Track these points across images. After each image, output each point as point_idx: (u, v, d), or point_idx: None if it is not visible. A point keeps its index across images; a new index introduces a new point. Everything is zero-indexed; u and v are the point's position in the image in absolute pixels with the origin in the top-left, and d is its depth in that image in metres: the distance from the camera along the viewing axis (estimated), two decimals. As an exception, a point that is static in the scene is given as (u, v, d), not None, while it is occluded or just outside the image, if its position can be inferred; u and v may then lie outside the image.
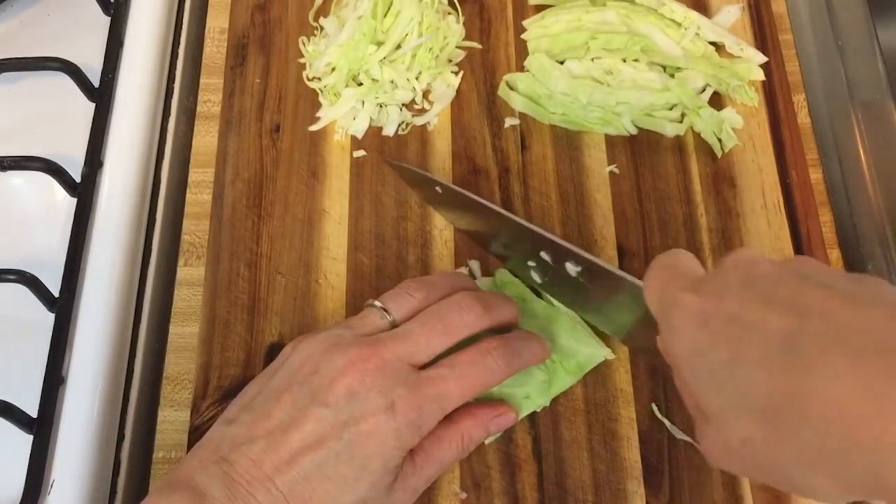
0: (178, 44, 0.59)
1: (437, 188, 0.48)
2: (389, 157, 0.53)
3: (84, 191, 0.50)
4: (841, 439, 0.25)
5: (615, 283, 0.41)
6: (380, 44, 0.54)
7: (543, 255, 0.44)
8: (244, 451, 0.36)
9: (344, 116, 0.54)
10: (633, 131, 0.53)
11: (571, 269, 0.43)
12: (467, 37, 0.57)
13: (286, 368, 0.39)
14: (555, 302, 0.47)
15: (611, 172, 0.52)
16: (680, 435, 0.45)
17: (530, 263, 0.46)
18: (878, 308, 0.26)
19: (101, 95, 0.53)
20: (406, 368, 0.38)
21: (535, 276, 0.47)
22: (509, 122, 0.54)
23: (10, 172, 0.50)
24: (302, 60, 0.57)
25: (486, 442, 0.45)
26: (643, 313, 0.39)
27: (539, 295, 0.48)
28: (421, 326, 0.39)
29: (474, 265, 0.50)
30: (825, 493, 0.27)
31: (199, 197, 0.53)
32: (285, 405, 0.37)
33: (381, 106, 0.55)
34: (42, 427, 0.44)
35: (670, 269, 0.35)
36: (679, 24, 0.55)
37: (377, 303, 0.41)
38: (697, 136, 0.54)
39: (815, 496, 0.28)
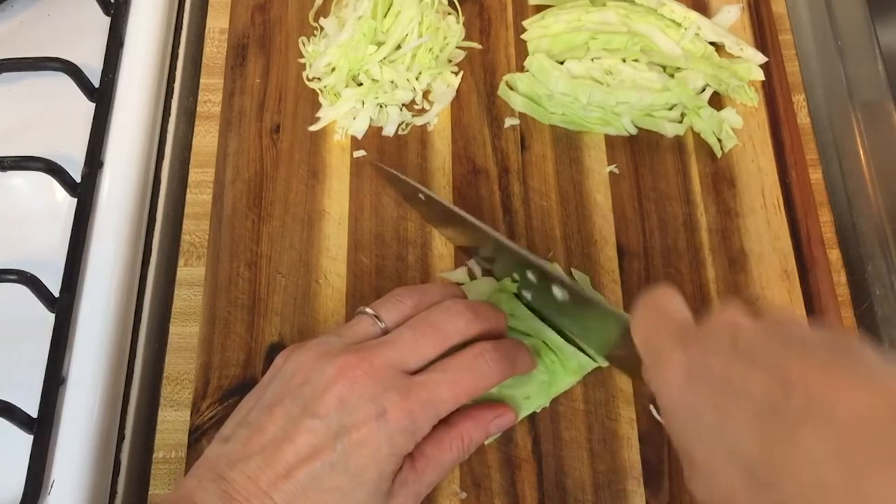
0: (178, 44, 0.59)
1: (420, 195, 0.48)
2: (373, 159, 0.53)
3: (84, 191, 0.50)
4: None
5: (600, 312, 0.42)
6: (380, 44, 0.54)
7: (529, 274, 0.44)
8: (241, 469, 0.36)
9: (344, 116, 0.54)
10: (633, 131, 0.53)
11: (557, 293, 0.43)
12: (467, 37, 0.57)
13: (278, 380, 0.39)
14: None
15: (611, 172, 0.53)
16: (680, 435, 0.45)
17: (515, 277, 0.46)
18: (857, 379, 0.27)
19: (101, 95, 0.53)
20: (396, 374, 0.38)
21: (527, 295, 0.47)
22: (509, 122, 0.54)
23: (10, 172, 0.50)
24: (302, 60, 0.57)
25: (486, 442, 0.45)
26: (627, 341, 0.39)
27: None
28: (411, 332, 0.39)
29: (474, 265, 0.50)
30: None
31: (199, 197, 0.53)
32: (278, 419, 0.37)
33: (381, 106, 0.55)
34: (42, 427, 0.44)
35: (658, 312, 0.35)
36: (679, 25, 0.55)
37: (368, 310, 0.41)
38: (697, 136, 0.54)
39: None
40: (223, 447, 0.37)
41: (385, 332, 0.40)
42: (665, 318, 0.35)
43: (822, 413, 0.27)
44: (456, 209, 0.47)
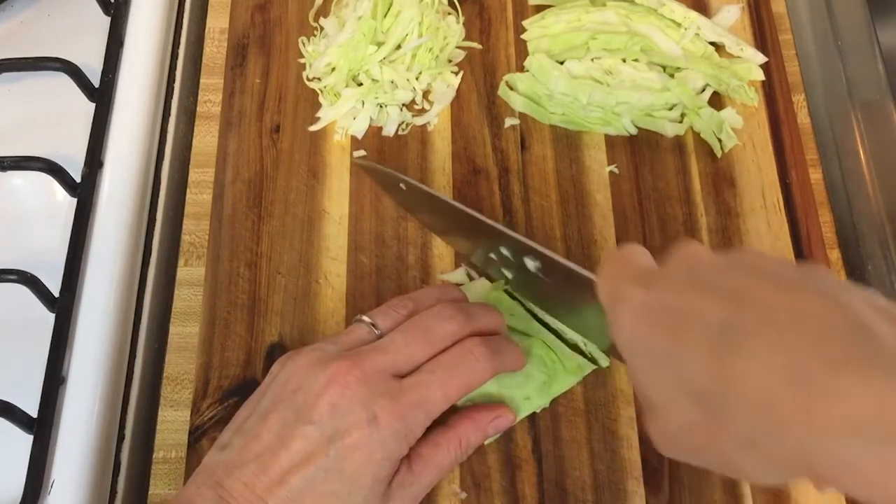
0: (178, 44, 0.59)
1: (402, 185, 0.48)
2: (359, 160, 0.53)
3: (84, 191, 0.50)
4: (770, 422, 0.26)
5: (570, 278, 0.40)
6: (380, 44, 0.54)
7: (503, 251, 0.44)
8: (237, 476, 0.36)
9: (344, 116, 0.54)
10: (633, 131, 0.53)
11: (530, 264, 0.43)
12: (467, 37, 0.57)
13: (274, 387, 0.39)
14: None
15: (611, 172, 0.53)
16: (680, 435, 0.45)
17: (492, 256, 0.46)
18: (809, 292, 0.27)
19: (101, 95, 0.53)
20: (388, 379, 0.38)
21: (507, 274, 0.47)
22: (509, 122, 0.54)
23: (10, 172, 0.50)
24: (302, 60, 0.57)
25: (486, 442, 0.45)
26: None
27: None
28: (403, 336, 0.39)
29: (474, 265, 0.50)
30: (760, 475, 0.28)
31: (199, 197, 0.53)
32: (273, 425, 0.37)
33: (381, 106, 0.55)
34: (42, 427, 0.44)
35: (621, 262, 0.35)
36: (679, 25, 0.55)
37: (365, 318, 0.41)
38: (697, 136, 0.54)
39: (751, 478, 0.28)
40: (220, 455, 0.38)
41: (380, 338, 0.41)
42: (627, 267, 0.34)
43: (773, 324, 0.26)
44: (427, 188, 0.46)
